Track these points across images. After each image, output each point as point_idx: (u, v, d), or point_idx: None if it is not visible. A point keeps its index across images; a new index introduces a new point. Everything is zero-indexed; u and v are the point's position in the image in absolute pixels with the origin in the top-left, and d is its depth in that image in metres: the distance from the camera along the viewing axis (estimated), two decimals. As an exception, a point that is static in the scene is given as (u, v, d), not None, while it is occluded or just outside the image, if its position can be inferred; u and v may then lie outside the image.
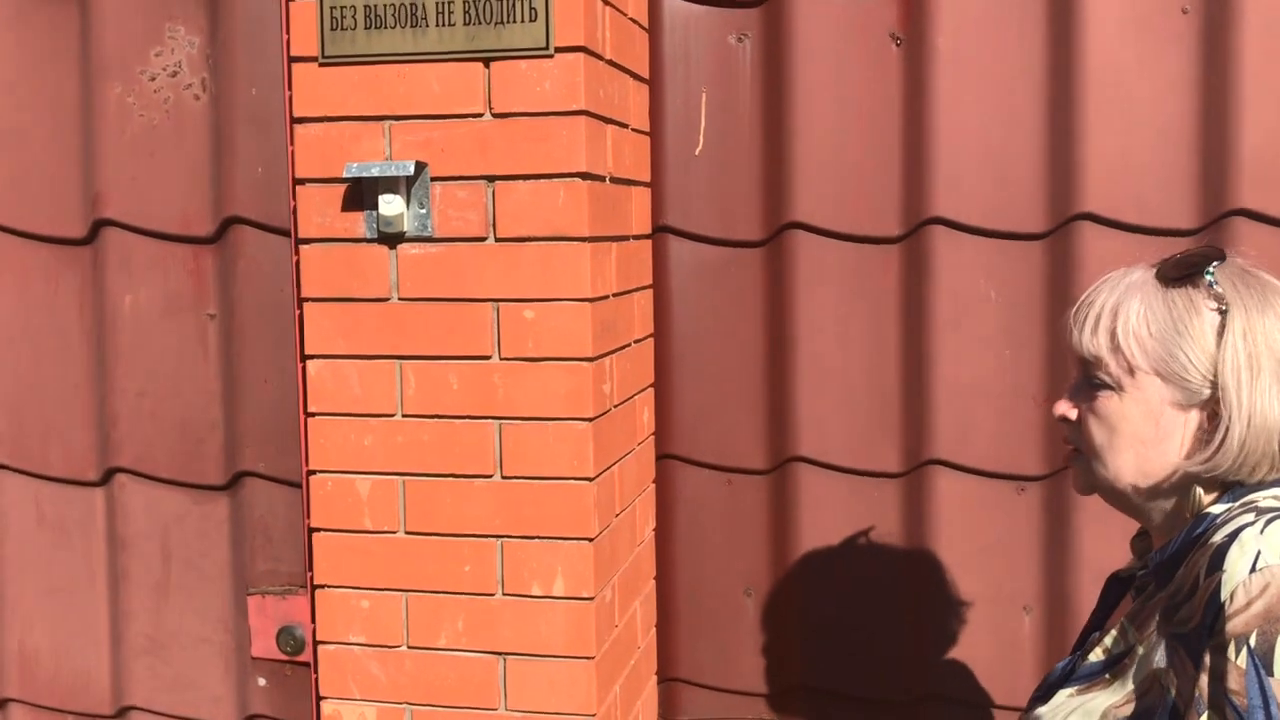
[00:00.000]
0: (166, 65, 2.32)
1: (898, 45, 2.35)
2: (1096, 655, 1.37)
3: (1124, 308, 1.31)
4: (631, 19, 2.23)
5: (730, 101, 2.42)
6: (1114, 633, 1.36)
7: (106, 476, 2.45)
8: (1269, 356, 1.26)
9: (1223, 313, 1.27)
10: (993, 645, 2.41)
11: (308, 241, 2.06)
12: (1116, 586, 1.46)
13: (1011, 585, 2.40)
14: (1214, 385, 1.27)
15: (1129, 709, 1.29)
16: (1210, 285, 1.29)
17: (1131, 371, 1.30)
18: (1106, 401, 1.33)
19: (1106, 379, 1.32)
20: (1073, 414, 1.38)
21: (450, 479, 2.05)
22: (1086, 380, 1.36)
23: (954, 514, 2.40)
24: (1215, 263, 1.30)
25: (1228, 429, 1.26)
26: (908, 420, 2.41)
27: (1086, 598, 2.34)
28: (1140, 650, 1.31)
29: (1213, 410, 1.28)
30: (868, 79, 2.36)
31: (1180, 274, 1.30)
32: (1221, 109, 2.24)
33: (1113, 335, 1.31)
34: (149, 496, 2.42)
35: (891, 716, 2.45)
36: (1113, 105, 2.27)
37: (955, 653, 2.42)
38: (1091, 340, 1.33)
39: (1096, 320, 1.33)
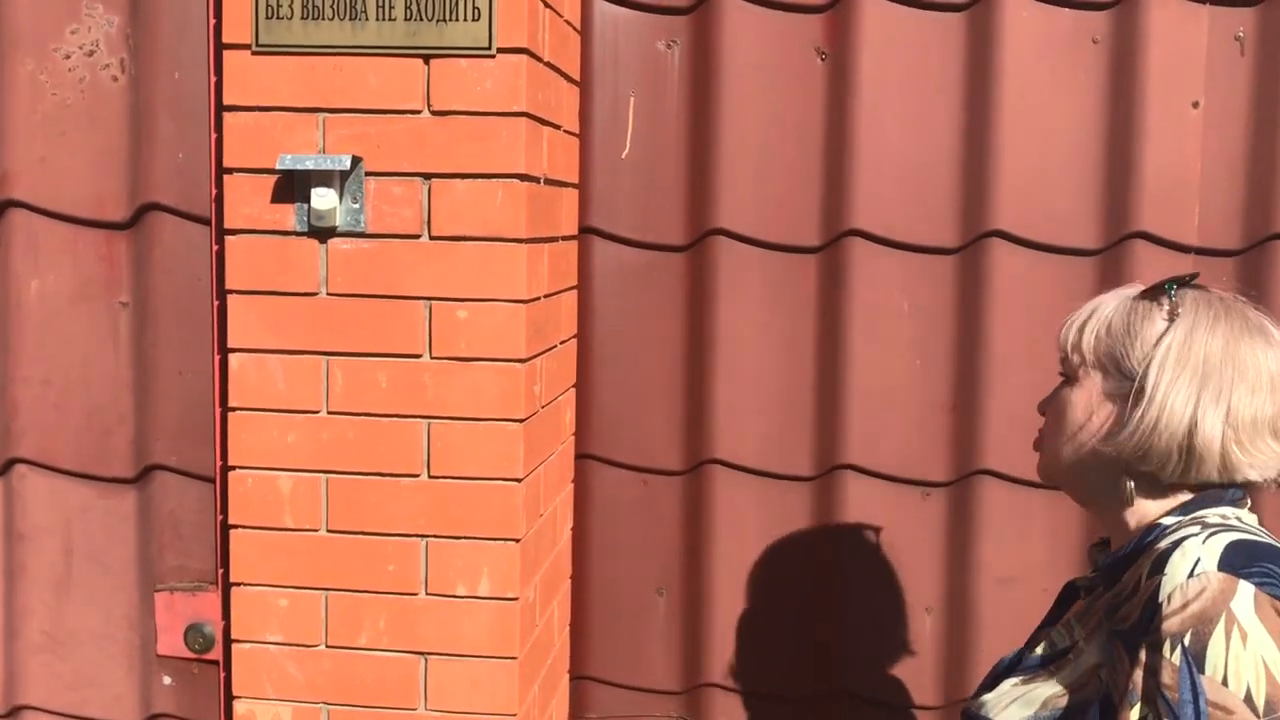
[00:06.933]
0: (83, 44, 2.24)
1: (823, 60, 2.41)
2: (1042, 649, 1.46)
3: (1097, 313, 1.44)
4: (567, 21, 2.24)
5: (657, 107, 2.44)
6: (1060, 629, 1.46)
7: (5, 467, 2.35)
8: (1199, 368, 1.34)
9: (1170, 322, 1.37)
10: (896, 644, 2.49)
11: (233, 232, 2.02)
12: (1070, 593, 1.55)
13: (914, 587, 2.48)
14: (1141, 379, 1.36)
15: (1067, 700, 1.38)
16: (1170, 299, 1.39)
17: (1084, 365, 1.43)
18: (1063, 391, 1.46)
19: (1066, 371, 1.46)
20: (1044, 406, 1.52)
21: (376, 478, 2.03)
22: (1059, 375, 1.49)
23: (862, 517, 2.47)
24: (1185, 283, 1.40)
25: (1139, 416, 1.35)
26: (820, 425, 2.47)
27: (984, 600, 2.45)
28: (1083, 646, 1.40)
29: (1134, 401, 1.37)
30: (792, 91, 2.41)
31: (1151, 287, 1.42)
32: (1125, 135, 2.36)
33: (1080, 332, 1.44)
34: (51, 488, 2.33)
35: (798, 713, 2.51)
36: (1026, 128, 2.36)
37: (861, 651, 2.49)
38: (1064, 337, 1.46)
39: (1074, 321, 1.46)
